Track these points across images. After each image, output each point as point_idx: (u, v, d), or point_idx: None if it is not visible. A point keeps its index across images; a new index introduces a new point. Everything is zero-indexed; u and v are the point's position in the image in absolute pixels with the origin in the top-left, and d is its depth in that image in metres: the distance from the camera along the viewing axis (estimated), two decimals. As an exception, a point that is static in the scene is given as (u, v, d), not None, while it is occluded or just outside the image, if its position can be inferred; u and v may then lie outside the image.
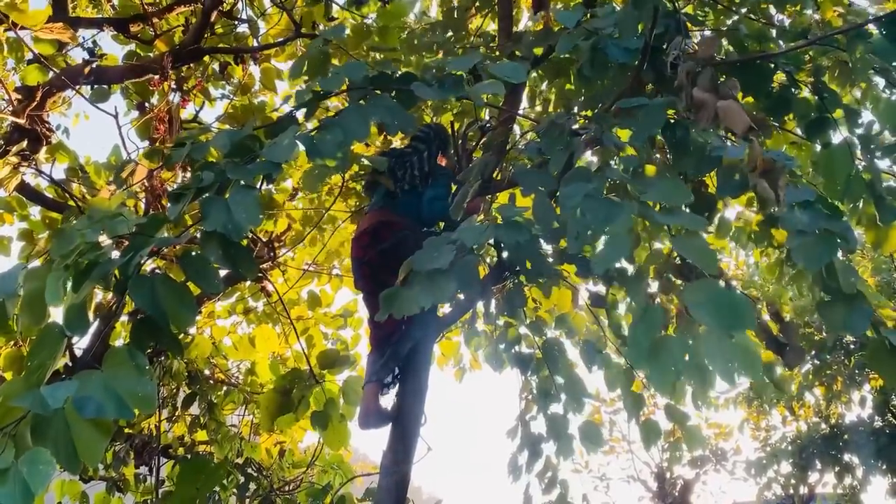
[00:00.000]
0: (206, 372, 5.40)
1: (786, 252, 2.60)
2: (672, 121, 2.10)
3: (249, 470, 4.90)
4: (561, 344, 3.30)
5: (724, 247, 4.42)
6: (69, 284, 1.79)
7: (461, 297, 3.09)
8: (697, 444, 2.96)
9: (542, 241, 2.53)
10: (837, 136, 2.41)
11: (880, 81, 2.46)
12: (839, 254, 1.79)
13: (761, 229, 2.44)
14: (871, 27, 2.35)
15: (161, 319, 1.84)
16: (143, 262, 1.86)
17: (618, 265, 2.03)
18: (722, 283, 3.21)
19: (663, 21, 2.29)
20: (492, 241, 2.41)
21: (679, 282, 2.40)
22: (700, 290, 1.63)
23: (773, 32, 2.61)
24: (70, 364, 4.12)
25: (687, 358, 1.60)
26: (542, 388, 3.21)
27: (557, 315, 3.56)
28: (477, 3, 4.20)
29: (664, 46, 2.26)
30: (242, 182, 1.98)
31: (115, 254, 1.90)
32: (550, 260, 3.03)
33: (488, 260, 3.54)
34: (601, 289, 3.16)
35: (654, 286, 2.43)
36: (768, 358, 3.76)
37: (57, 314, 1.86)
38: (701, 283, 1.66)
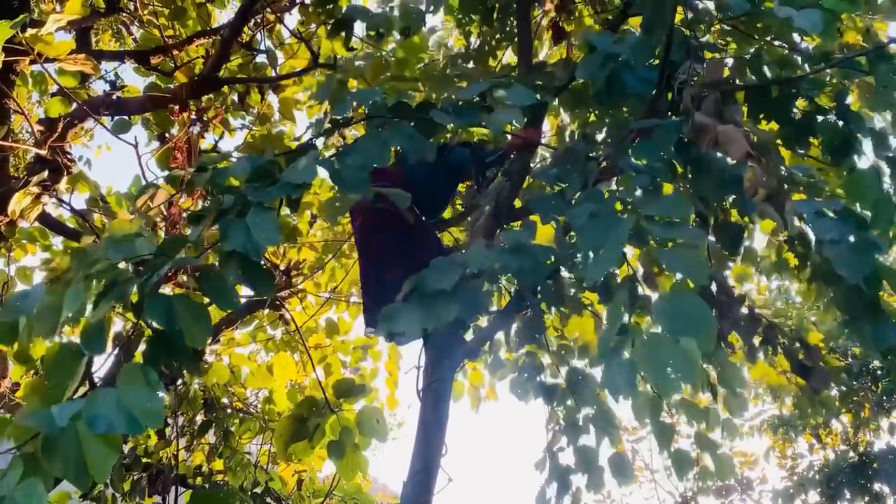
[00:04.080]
0: (225, 400, 5.39)
1: (811, 271, 2.55)
2: (687, 141, 2.08)
3: (268, 499, 4.86)
4: (586, 373, 3.25)
5: (746, 272, 4.35)
6: (89, 301, 1.81)
7: (482, 325, 3.07)
8: (728, 473, 2.88)
9: (562, 268, 2.51)
10: (863, 161, 2.37)
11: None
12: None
13: (786, 249, 2.39)
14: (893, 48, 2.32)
15: (177, 337, 1.85)
16: (161, 283, 1.87)
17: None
18: (744, 309, 3.17)
19: (678, 48, 2.28)
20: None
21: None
22: (668, 298, 1.61)
23: (798, 59, 2.59)
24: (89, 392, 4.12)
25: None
26: (569, 418, 3.16)
27: (581, 344, 3.52)
28: (498, 36, 4.22)
29: (677, 74, 2.26)
30: (263, 203, 2.00)
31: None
32: (572, 288, 3.00)
33: (512, 289, 3.51)
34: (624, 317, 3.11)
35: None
36: (801, 383, 3.68)
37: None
38: (673, 292, 1.62)
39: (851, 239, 1.75)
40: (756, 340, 2.92)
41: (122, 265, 1.89)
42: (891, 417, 9.32)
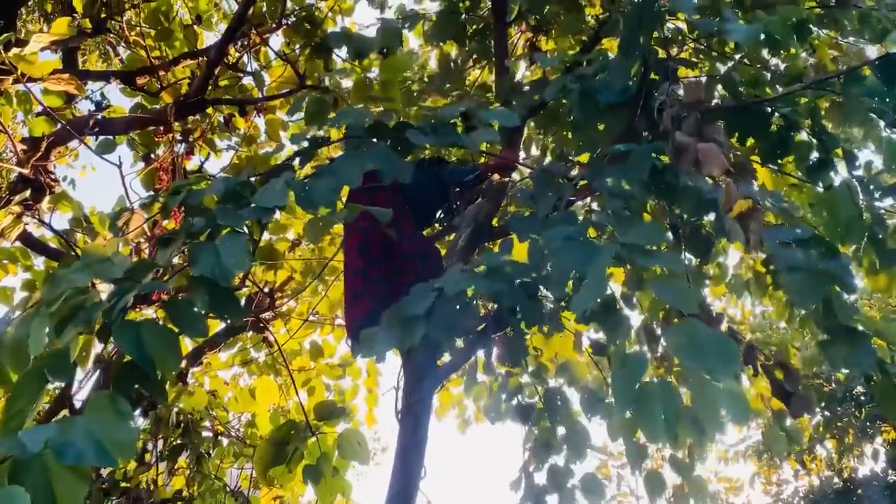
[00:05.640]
0: (206, 423, 5.32)
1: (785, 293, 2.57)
2: (661, 167, 2.10)
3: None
4: (563, 393, 3.23)
5: (723, 291, 4.37)
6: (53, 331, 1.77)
7: (459, 346, 3.05)
8: (703, 498, 2.87)
9: (542, 287, 2.51)
10: (838, 178, 2.40)
11: (880, 122, 2.45)
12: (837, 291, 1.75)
13: (763, 274, 2.41)
14: (866, 69, 2.36)
15: (146, 364, 1.80)
16: (126, 309, 1.84)
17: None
18: (723, 327, 3.17)
19: (655, 68, 2.31)
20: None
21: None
22: (682, 331, 1.58)
23: (768, 77, 2.63)
24: (69, 416, 4.07)
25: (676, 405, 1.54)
26: (544, 438, 3.14)
27: (559, 363, 3.51)
28: (474, 56, 4.26)
29: (655, 93, 2.28)
30: (233, 227, 1.98)
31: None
32: (551, 306, 3.00)
33: (490, 307, 3.50)
34: (602, 336, 3.12)
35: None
36: (778, 407, 3.68)
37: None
38: (682, 324, 1.61)
39: (812, 265, 1.75)
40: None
41: (89, 289, 1.87)
42: (875, 443, 9.33)
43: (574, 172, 2.43)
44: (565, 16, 3.50)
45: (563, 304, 2.77)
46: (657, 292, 1.76)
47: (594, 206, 2.82)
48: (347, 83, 4.44)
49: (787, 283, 1.70)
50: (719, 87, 2.56)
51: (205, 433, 5.19)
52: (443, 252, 4.11)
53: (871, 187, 2.22)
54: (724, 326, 2.95)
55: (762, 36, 1.68)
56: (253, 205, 2.08)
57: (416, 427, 3.00)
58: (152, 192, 4.71)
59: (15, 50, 3.73)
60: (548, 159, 3.97)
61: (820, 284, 1.70)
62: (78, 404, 4.31)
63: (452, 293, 1.99)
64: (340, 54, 4.45)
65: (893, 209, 2.41)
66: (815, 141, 2.41)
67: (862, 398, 8.33)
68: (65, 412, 4.47)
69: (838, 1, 2.74)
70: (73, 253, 4.38)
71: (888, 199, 2.24)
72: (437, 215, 3.53)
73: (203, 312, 1.97)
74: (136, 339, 1.79)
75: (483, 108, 2.46)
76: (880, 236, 2.06)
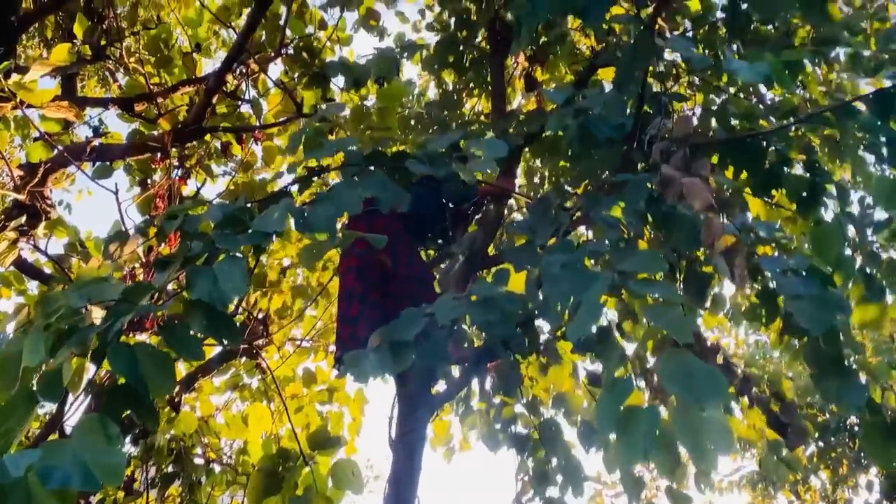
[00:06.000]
0: (198, 450, 5.27)
1: (782, 324, 2.58)
2: (657, 196, 2.12)
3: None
4: (558, 424, 3.22)
5: (722, 323, 4.38)
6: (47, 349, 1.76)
7: (455, 375, 3.05)
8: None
9: (538, 317, 2.51)
10: (829, 213, 2.42)
11: (871, 157, 2.49)
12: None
13: (758, 303, 2.42)
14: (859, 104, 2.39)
15: (139, 388, 1.79)
16: (121, 331, 1.83)
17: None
18: (720, 359, 3.18)
19: (649, 102, 2.34)
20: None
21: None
22: (672, 360, 1.58)
23: (762, 108, 2.66)
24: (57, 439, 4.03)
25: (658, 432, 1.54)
26: (539, 469, 3.12)
27: (555, 394, 3.50)
28: (471, 85, 4.31)
29: (648, 125, 2.31)
30: (231, 252, 1.98)
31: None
32: (547, 337, 3.00)
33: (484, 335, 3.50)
34: (598, 367, 3.12)
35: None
36: (773, 437, 3.67)
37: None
38: (673, 353, 1.61)
39: (815, 293, 1.76)
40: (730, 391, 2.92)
41: (83, 311, 1.86)
42: (868, 474, 9.28)
43: (570, 202, 2.45)
44: (561, 47, 3.55)
45: (559, 334, 2.78)
46: (652, 319, 1.77)
47: (590, 234, 2.84)
48: (344, 111, 4.48)
49: (795, 311, 1.71)
50: (713, 119, 2.60)
51: (197, 460, 5.14)
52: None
53: (865, 221, 2.24)
54: (719, 358, 2.95)
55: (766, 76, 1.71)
56: (251, 230, 2.09)
57: (409, 456, 2.98)
58: (148, 218, 4.72)
59: (15, 77, 3.76)
60: (544, 188, 4.00)
61: (829, 311, 1.71)
62: (68, 430, 4.28)
63: (444, 321, 1.99)
64: (338, 83, 4.49)
65: (885, 242, 2.44)
66: (807, 175, 2.44)
67: (856, 429, 8.30)
68: (53, 437, 4.43)
69: (828, 40, 2.80)
70: (66, 277, 4.37)
71: (881, 233, 2.26)
72: (434, 233, 3.54)
73: (199, 336, 1.98)
74: (130, 361, 1.78)
75: (475, 139, 2.48)
76: (870, 271, 2.08)
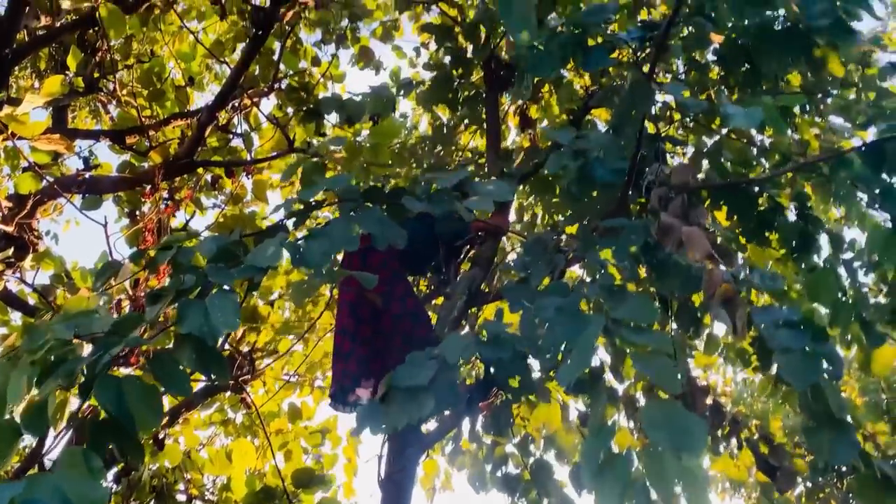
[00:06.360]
0: (180, 486, 5.17)
1: (776, 371, 2.59)
2: (652, 242, 2.13)
3: None
4: (550, 465, 3.19)
5: (713, 363, 4.39)
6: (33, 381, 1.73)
7: (446, 414, 3.02)
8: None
9: (530, 356, 2.50)
10: (822, 257, 2.44)
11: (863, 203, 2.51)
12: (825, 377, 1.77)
13: (753, 349, 2.43)
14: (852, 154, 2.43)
15: (125, 422, 1.76)
16: (110, 364, 1.80)
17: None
18: (709, 400, 3.17)
19: (646, 146, 2.37)
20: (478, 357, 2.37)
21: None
22: (657, 409, 1.59)
23: (755, 151, 2.70)
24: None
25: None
26: (531, 510, 3.08)
27: (546, 434, 3.47)
28: (466, 121, 4.35)
29: (646, 171, 2.34)
30: (223, 286, 1.96)
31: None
32: (539, 375, 2.98)
33: (474, 373, 3.48)
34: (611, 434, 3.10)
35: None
36: (763, 480, 3.66)
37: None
38: (660, 402, 1.61)
39: (804, 347, 1.77)
40: (720, 433, 2.92)
41: (71, 342, 1.83)
42: (858, 515, 9.22)
43: (565, 242, 2.46)
44: (561, 89, 3.60)
45: (550, 374, 2.76)
46: (640, 368, 1.76)
47: (585, 275, 2.85)
48: (339, 146, 4.50)
49: (781, 364, 1.72)
50: (705, 160, 2.63)
51: (179, 496, 5.03)
52: (432, 315, 4.11)
53: (856, 265, 2.27)
54: (709, 399, 2.95)
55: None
56: (245, 264, 2.07)
57: (398, 495, 2.94)
58: (137, 250, 4.68)
59: (7, 109, 3.75)
60: (537, 225, 4.02)
61: (814, 366, 1.71)
62: (48, 464, 4.18)
63: (454, 361, 1.96)
64: (331, 118, 4.52)
65: (875, 286, 2.46)
66: (800, 222, 2.47)
67: (843, 469, 8.27)
68: (33, 472, 4.33)
69: (821, 88, 2.86)
70: (51, 308, 4.31)
71: (871, 275, 2.29)
72: (427, 266, 3.53)
73: (188, 371, 1.95)
74: (117, 394, 1.76)
75: (477, 180, 2.50)
76: (866, 317, 2.10)
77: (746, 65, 2.40)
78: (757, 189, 2.46)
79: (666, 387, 1.64)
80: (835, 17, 1.90)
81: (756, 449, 3.36)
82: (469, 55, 4.25)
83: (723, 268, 1.97)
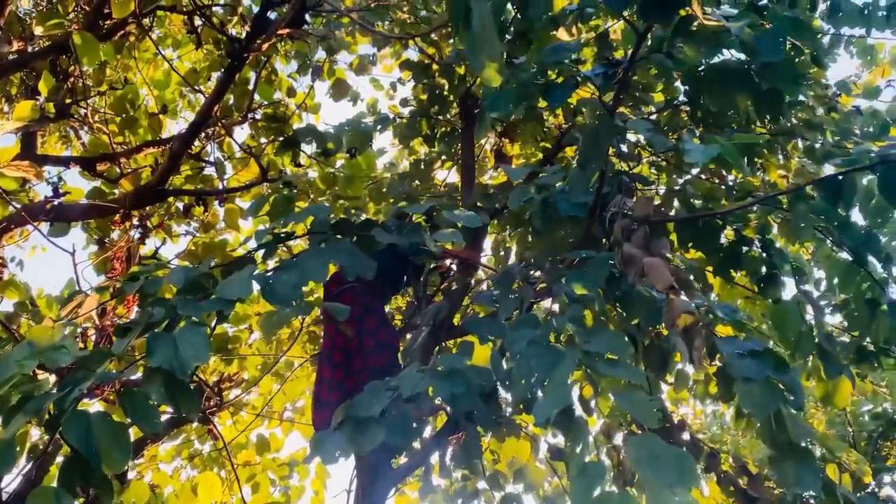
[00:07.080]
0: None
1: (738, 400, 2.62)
2: (618, 274, 2.16)
3: None
4: (520, 499, 3.17)
5: (683, 398, 4.41)
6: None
7: (416, 447, 2.99)
8: None
9: (500, 389, 2.50)
10: (787, 292, 2.49)
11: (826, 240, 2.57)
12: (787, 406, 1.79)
13: (716, 378, 2.45)
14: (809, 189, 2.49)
15: (93, 460, 1.73)
16: (80, 399, 1.77)
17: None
18: (686, 435, 3.18)
19: (611, 180, 2.41)
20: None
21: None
22: (642, 444, 1.59)
23: (723, 189, 2.75)
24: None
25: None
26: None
27: (516, 468, 3.45)
28: (443, 157, 4.38)
29: (609, 203, 2.38)
30: (193, 318, 1.94)
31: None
32: (509, 409, 2.97)
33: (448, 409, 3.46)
34: (560, 441, 3.10)
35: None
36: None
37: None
38: (643, 437, 1.62)
39: (764, 377, 1.79)
40: (698, 468, 2.93)
41: (40, 377, 1.79)
42: (826, 547, 9.25)
43: (535, 275, 2.48)
44: (529, 125, 3.65)
45: (520, 406, 2.75)
46: (618, 403, 1.77)
47: (555, 307, 2.86)
48: (312, 175, 4.50)
49: (741, 394, 1.74)
50: (675, 199, 2.68)
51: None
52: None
53: (823, 304, 2.31)
54: (685, 434, 2.97)
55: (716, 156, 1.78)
56: (214, 296, 2.05)
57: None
58: (105, 278, 4.61)
59: (-25, 133, 3.70)
60: (511, 259, 4.04)
61: (773, 396, 1.74)
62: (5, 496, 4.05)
63: (409, 394, 1.96)
64: (307, 149, 4.52)
65: (840, 328, 2.51)
66: (763, 255, 2.51)
67: (811, 500, 8.33)
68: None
69: (785, 130, 2.93)
70: (14, 337, 4.22)
71: (836, 316, 2.33)
72: (398, 287, 3.52)
73: (156, 405, 1.91)
74: (85, 432, 1.73)
75: (449, 210, 2.51)
76: (828, 350, 2.13)
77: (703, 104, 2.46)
78: (721, 222, 2.50)
79: (644, 421, 1.65)
80: (781, 60, 1.96)
81: (734, 481, 3.37)
82: (445, 92, 4.29)
83: (684, 297, 1.99)
